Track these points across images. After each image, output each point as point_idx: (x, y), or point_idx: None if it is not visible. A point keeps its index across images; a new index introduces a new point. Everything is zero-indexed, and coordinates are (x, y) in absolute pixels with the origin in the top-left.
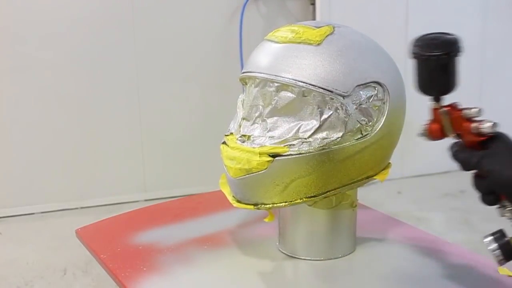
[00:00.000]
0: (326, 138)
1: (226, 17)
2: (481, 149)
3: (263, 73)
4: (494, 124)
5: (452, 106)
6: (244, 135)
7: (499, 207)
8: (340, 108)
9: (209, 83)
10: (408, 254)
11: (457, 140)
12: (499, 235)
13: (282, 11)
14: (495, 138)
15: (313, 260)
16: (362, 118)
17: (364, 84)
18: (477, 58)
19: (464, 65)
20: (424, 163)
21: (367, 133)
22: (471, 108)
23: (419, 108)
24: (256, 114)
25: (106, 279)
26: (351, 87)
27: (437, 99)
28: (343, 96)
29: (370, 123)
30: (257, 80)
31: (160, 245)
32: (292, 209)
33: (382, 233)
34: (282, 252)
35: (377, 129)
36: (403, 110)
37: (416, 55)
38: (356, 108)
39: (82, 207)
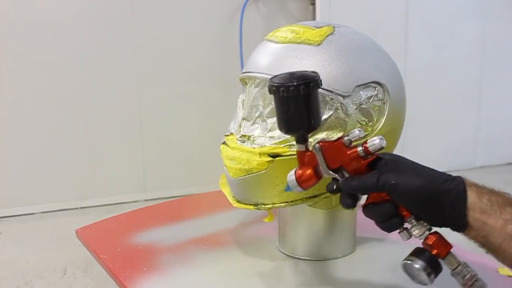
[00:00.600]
0: (326, 139)
1: (226, 17)
2: (370, 171)
3: (263, 73)
4: (382, 138)
5: (324, 141)
6: (244, 135)
7: (402, 231)
8: (340, 108)
9: (209, 83)
10: (408, 254)
11: (335, 177)
12: (419, 252)
13: (282, 11)
14: (380, 155)
15: (313, 260)
16: (362, 118)
17: (364, 84)
18: (477, 58)
19: (464, 65)
20: (424, 163)
21: (367, 133)
22: (348, 134)
23: (419, 108)
24: (256, 114)
25: (106, 279)
26: (351, 87)
27: (303, 139)
28: (343, 96)
29: (370, 123)
30: (257, 80)
31: (160, 245)
32: (292, 209)
33: (382, 233)
34: (282, 252)
35: (377, 129)
36: (403, 110)
37: (277, 88)
38: (356, 108)
39: (82, 207)
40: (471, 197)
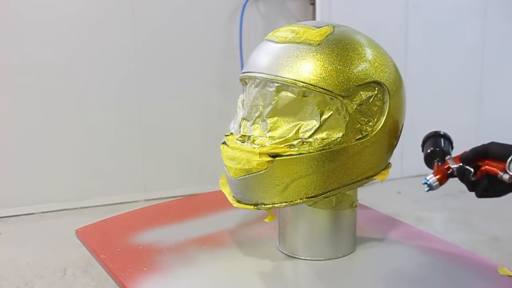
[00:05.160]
0: (326, 138)
1: (226, 17)
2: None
3: (263, 73)
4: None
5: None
6: (244, 135)
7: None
8: (340, 108)
9: (209, 83)
10: (408, 254)
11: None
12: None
13: (282, 11)
14: None
15: (313, 260)
16: (362, 118)
17: (364, 84)
18: (477, 58)
19: (464, 64)
20: (424, 163)
21: (367, 133)
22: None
23: (419, 107)
24: (256, 114)
25: (106, 279)
26: (351, 87)
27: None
28: (343, 96)
29: (370, 123)
30: (257, 80)
31: (160, 245)
32: (292, 209)
33: (382, 233)
34: (282, 252)
35: (377, 129)
36: (403, 110)
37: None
38: (356, 108)
39: (82, 207)
40: None
